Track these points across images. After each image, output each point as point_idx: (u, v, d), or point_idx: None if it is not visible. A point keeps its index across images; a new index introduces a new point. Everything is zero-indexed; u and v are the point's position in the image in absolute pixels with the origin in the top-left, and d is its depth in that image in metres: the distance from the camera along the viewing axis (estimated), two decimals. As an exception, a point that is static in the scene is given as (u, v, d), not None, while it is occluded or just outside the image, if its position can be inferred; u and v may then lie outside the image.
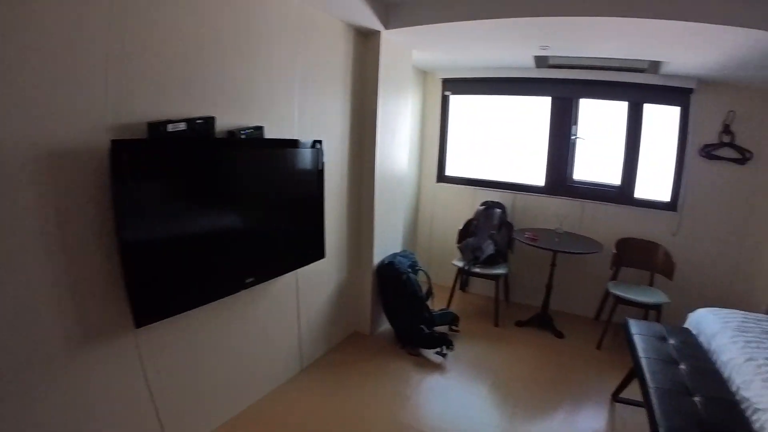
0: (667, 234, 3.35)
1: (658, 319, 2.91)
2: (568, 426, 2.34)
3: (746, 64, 2.56)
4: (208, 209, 1.83)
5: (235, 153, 1.94)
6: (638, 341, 2.26)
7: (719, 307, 2.52)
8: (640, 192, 3.50)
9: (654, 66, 2.99)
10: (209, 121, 1.79)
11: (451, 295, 3.52)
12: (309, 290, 2.60)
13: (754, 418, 1.68)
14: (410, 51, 3.17)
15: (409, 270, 3.05)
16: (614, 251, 3.32)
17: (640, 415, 2.04)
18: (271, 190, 2.14)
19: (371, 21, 2.56)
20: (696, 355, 2.13)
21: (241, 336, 2.17)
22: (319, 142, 2.32)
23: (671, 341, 2.25)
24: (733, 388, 1.88)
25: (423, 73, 4.04)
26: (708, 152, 3.21)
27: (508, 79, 3.70)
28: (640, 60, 2.96)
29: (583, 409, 2.49)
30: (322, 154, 2.35)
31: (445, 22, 2.40)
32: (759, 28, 1.93)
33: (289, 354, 2.53)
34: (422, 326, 2.87)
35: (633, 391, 2.29)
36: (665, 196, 3.43)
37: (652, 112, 3.41)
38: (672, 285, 3.13)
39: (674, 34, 2.20)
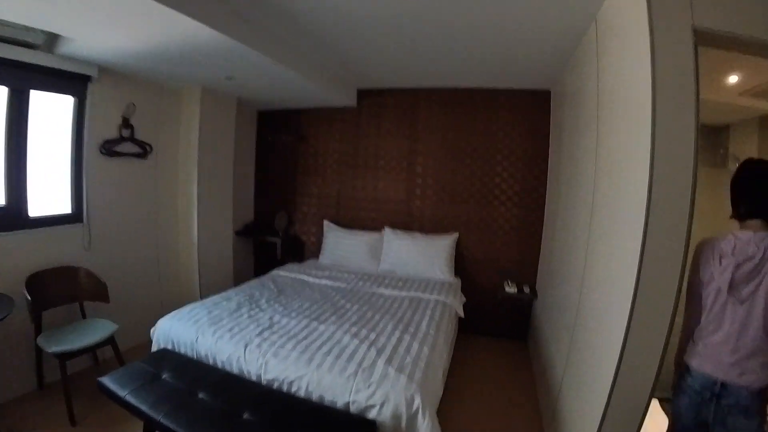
0: (82, 251, 2.82)
1: (116, 353, 2.47)
2: None
3: (157, 54, 2.46)
4: None
5: None
6: (132, 399, 1.80)
7: (175, 308, 2.49)
8: (37, 209, 2.59)
9: (50, 42, 2.25)
10: None
11: None
12: None
13: (294, 390, 1.85)
14: None
15: None
16: (28, 297, 2.36)
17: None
18: None
19: None
20: (200, 374, 1.98)
21: None
22: None
23: (165, 375, 1.97)
24: (256, 379, 1.94)
25: None
26: (109, 149, 2.92)
27: None
28: (35, 30, 2.15)
29: None
30: None
31: None
32: (195, 19, 1.87)
33: None
34: None
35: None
36: (66, 207, 2.81)
37: (39, 103, 2.53)
38: (113, 307, 2.73)
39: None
